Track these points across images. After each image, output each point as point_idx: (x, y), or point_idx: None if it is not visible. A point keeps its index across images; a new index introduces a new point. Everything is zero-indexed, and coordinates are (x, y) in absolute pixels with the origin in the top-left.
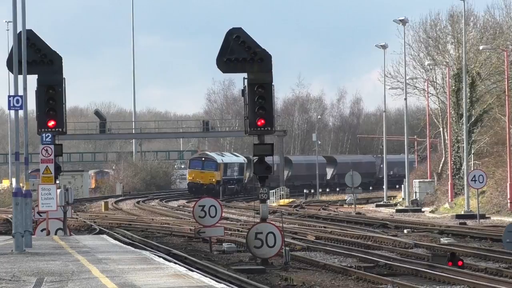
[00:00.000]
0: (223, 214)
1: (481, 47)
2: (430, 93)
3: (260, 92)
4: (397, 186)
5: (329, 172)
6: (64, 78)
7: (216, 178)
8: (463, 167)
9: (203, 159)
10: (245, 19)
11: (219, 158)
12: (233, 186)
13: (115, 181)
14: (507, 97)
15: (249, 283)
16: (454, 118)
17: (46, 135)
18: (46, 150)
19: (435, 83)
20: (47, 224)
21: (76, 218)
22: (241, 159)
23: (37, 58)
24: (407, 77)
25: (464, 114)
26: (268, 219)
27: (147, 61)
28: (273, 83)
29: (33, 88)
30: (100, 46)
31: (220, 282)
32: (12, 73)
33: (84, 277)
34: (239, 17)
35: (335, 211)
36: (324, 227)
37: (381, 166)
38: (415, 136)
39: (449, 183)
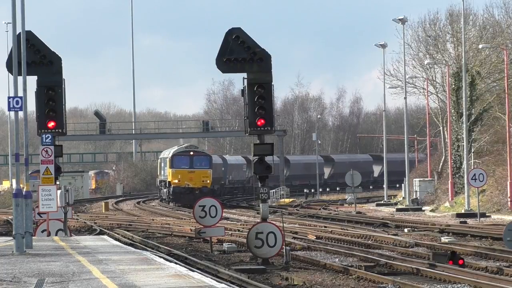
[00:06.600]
0: (224, 214)
1: (480, 46)
2: (430, 92)
3: (259, 92)
4: (397, 185)
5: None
6: (64, 79)
7: (211, 179)
8: (463, 166)
9: (192, 153)
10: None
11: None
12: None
13: (115, 182)
14: (507, 96)
15: (250, 283)
16: (454, 117)
17: (46, 136)
18: (46, 151)
19: (434, 82)
20: (47, 225)
21: (77, 219)
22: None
23: (37, 59)
24: (407, 76)
25: (464, 113)
26: (269, 218)
27: (147, 61)
28: (272, 83)
29: (33, 89)
30: (100, 46)
31: (221, 282)
32: (12, 74)
33: (85, 278)
34: (239, 17)
35: (335, 211)
36: (325, 227)
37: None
38: (415, 135)
39: (449, 182)
